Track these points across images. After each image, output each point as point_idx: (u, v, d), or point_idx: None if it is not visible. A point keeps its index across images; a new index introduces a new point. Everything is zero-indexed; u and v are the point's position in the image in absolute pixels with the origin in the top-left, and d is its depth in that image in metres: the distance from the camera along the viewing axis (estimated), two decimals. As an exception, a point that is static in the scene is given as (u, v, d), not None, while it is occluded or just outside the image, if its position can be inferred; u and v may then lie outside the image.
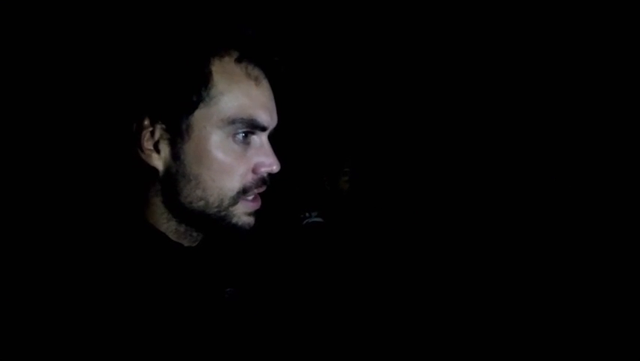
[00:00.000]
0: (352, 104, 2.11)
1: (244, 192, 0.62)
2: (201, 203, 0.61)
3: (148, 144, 0.60)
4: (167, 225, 0.64)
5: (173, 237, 0.64)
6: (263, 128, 0.63)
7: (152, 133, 0.60)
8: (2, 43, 1.24)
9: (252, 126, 0.61)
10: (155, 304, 0.58)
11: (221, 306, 0.68)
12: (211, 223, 0.63)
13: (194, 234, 0.66)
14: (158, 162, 0.60)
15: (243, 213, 0.63)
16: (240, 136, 0.61)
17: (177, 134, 0.59)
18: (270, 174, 0.65)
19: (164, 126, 0.59)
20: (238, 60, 0.61)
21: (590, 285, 1.68)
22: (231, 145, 0.60)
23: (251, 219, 0.65)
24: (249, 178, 0.62)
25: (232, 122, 0.59)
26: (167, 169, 0.61)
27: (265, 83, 0.64)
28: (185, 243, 0.67)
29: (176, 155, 0.60)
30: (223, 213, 0.62)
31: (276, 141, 0.69)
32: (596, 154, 1.78)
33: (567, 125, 1.84)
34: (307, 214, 1.68)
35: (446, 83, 2.06)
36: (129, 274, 0.58)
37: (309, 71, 2.02)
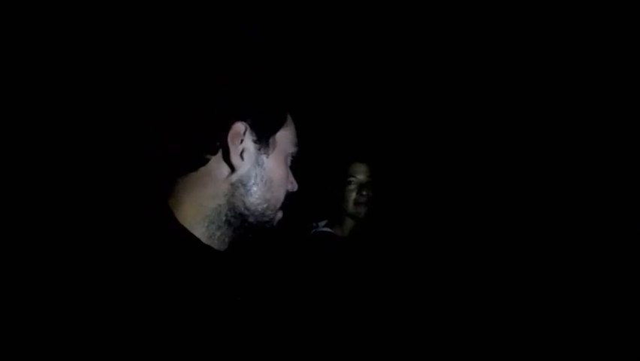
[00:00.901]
0: (360, 114, 2.13)
1: (286, 199, 0.77)
2: (265, 205, 0.73)
3: (237, 148, 0.70)
4: (206, 228, 0.71)
5: (205, 240, 0.71)
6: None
7: (242, 140, 0.70)
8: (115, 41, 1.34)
9: (296, 153, 0.79)
10: (176, 305, 0.61)
11: (237, 311, 0.72)
12: (257, 225, 0.75)
13: (226, 239, 0.74)
14: (240, 164, 0.70)
15: (277, 219, 0.78)
16: (290, 158, 0.79)
17: (264, 145, 0.73)
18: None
19: (254, 138, 0.72)
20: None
21: (590, 285, 1.68)
22: (288, 163, 0.78)
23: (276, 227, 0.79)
24: (288, 190, 0.78)
25: (295, 145, 0.78)
26: (246, 172, 0.71)
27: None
28: (215, 246, 0.73)
29: (259, 161, 0.73)
30: (272, 216, 0.75)
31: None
32: (596, 154, 1.78)
33: (567, 125, 1.84)
34: (315, 224, 1.69)
35: (454, 90, 2.07)
36: (155, 273, 0.62)
37: (318, 81, 2.04)
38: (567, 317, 1.67)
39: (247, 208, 0.72)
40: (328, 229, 1.66)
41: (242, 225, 0.73)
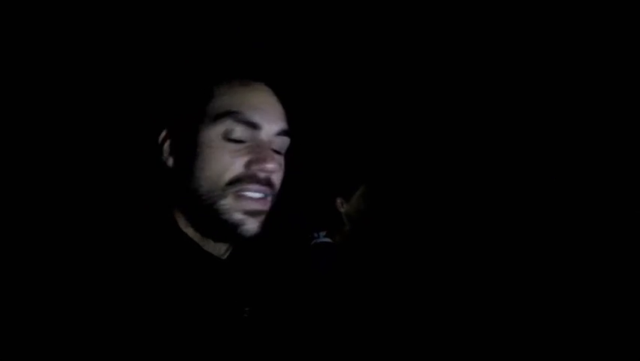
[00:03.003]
0: (369, 123, 2.12)
1: (231, 183, 0.64)
2: (195, 195, 0.66)
3: (167, 149, 0.71)
4: (187, 230, 0.69)
5: (200, 243, 0.70)
6: (254, 125, 0.66)
7: (171, 143, 0.71)
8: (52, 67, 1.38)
9: (242, 122, 0.65)
10: (173, 314, 0.61)
11: (239, 324, 0.70)
12: (209, 221, 0.66)
13: (212, 241, 0.69)
14: (172, 160, 0.70)
15: (235, 209, 0.65)
16: (234, 135, 0.65)
17: (184, 139, 0.68)
18: (269, 177, 0.67)
19: (177, 135, 0.70)
20: (232, 75, 0.71)
21: (590, 285, 1.66)
22: (222, 142, 0.65)
23: (248, 220, 0.66)
24: (240, 172, 0.65)
25: (219, 117, 0.65)
26: (176, 168, 0.70)
27: (260, 88, 0.70)
28: (214, 253, 0.71)
29: (182, 155, 0.69)
30: (215, 207, 0.65)
31: (290, 158, 0.73)
32: (596, 154, 1.77)
33: (567, 125, 1.84)
34: (316, 235, 1.68)
35: (464, 97, 2.06)
36: (154, 281, 0.62)
37: (327, 87, 2.04)
38: (567, 317, 1.65)
39: (189, 204, 0.67)
40: (329, 240, 1.65)
41: (203, 222, 0.67)
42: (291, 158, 0.80)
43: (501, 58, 1.94)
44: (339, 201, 1.64)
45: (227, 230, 0.65)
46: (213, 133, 0.65)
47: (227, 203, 0.64)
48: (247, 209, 0.65)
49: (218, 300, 0.67)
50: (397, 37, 1.98)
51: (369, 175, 1.67)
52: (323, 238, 1.66)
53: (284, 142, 0.70)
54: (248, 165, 0.65)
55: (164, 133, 0.72)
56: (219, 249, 0.71)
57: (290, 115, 0.72)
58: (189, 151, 0.66)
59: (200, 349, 0.62)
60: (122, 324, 0.56)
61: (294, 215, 1.60)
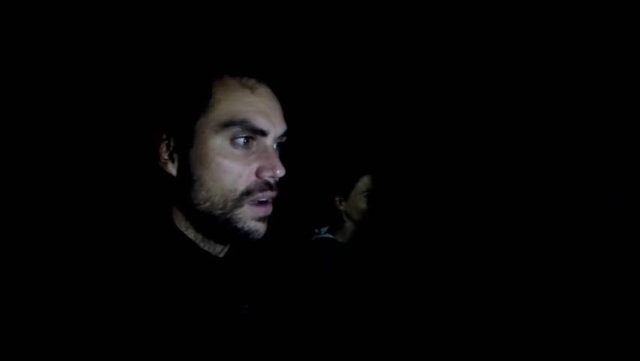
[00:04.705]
0: (370, 121, 2.12)
1: (247, 194, 0.66)
2: (207, 204, 0.65)
3: (165, 154, 0.68)
4: (187, 232, 0.69)
5: (199, 243, 0.70)
6: (262, 132, 0.66)
7: (168, 145, 0.68)
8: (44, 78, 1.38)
9: (250, 130, 0.65)
10: (174, 312, 0.62)
11: (239, 320, 0.71)
12: (219, 227, 0.67)
13: (212, 242, 0.70)
14: (173, 169, 0.68)
15: (249, 217, 0.66)
16: (241, 141, 0.65)
17: (185, 142, 0.66)
18: (277, 181, 0.68)
19: (175, 137, 0.67)
20: (232, 74, 0.68)
21: (590, 285, 1.66)
22: (230, 149, 0.65)
23: (259, 225, 0.67)
24: (252, 181, 0.66)
25: (226, 125, 0.64)
26: (180, 175, 0.67)
27: (263, 91, 0.69)
28: (212, 252, 0.71)
29: (184, 160, 0.67)
30: (228, 216, 0.66)
31: (290, 155, 0.74)
32: (596, 154, 1.77)
33: (567, 125, 1.83)
34: (317, 230, 1.69)
35: (463, 95, 2.06)
36: (154, 280, 0.62)
37: (326, 87, 2.05)
38: (567, 317, 1.66)
39: (196, 211, 0.66)
40: (330, 235, 1.66)
41: (211, 227, 0.67)
42: (290, 156, 0.80)
43: (501, 58, 1.94)
44: (337, 199, 1.65)
45: (239, 235, 0.67)
46: (220, 140, 0.64)
47: (242, 212, 0.66)
48: (260, 216, 0.67)
49: (218, 297, 0.69)
50: (397, 36, 1.98)
51: (366, 172, 1.67)
52: (324, 234, 1.67)
53: (282, 141, 0.72)
54: (259, 172, 0.66)
55: (157, 134, 0.68)
56: (217, 248, 0.72)
57: (287, 112, 0.73)
58: (195, 159, 0.65)
59: (201, 346, 0.63)
60: (122, 323, 0.57)
61: (295, 212, 1.61)
